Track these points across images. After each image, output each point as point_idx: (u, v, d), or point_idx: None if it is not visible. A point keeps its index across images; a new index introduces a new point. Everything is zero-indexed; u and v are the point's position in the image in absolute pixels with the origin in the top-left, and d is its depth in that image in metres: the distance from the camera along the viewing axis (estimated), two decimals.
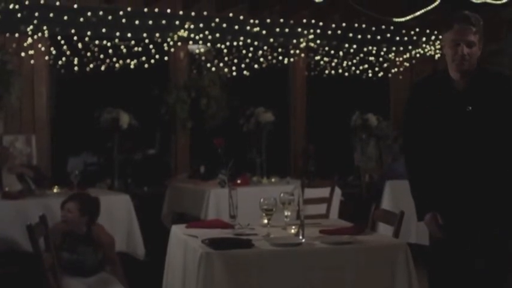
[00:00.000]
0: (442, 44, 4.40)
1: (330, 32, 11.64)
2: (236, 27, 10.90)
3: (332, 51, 11.80)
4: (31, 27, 9.60)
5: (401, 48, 12.21)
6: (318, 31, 11.52)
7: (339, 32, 11.70)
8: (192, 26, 10.55)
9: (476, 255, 4.32)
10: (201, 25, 10.63)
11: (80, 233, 6.20)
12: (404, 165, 4.61)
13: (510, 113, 4.26)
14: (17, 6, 9.47)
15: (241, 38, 10.97)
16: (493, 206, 4.28)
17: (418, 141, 4.44)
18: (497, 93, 4.28)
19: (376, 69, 12.17)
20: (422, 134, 4.41)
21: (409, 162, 4.54)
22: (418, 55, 12.24)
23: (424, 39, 12.13)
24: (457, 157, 4.30)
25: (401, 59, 12.35)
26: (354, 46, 11.85)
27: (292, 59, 11.61)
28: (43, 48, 9.84)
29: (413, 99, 4.51)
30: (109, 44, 10.21)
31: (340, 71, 11.93)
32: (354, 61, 12.01)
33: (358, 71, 12.05)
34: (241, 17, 10.95)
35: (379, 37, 11.98)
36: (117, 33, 10.13)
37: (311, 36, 11.46)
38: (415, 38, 12.16)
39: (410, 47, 12.22)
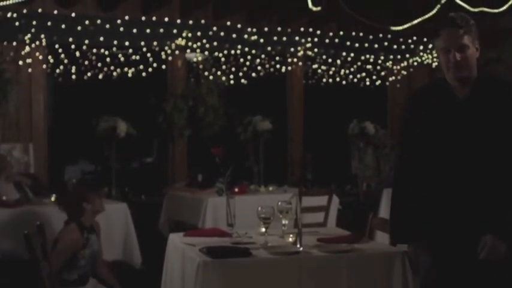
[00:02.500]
0: (437, 53, 4.00)
1: (327, 41, 11.66)
2: (234, 35, 10.92)
3: (329, 60, 11.82)
4: (29, 35, 9.61)
5: (398, 57, 12.24)
6: (316, 40, 11.54)
7: (337, 40, 11.72)
8: (189, 35, 10.57)
9: None
10: (198, 33, 10.64)
11: (90, 222, 6.18)
12: (392, 180, 4.14)
13: None
14: (14, 15, 9.48)
15: (239, 47, 10.98)
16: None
17: (415, 156, 3.98)
18: (503, 103, 3.82)
19: (374, 77, 12.20)
20: (420, 148, 3.95)
21: (400, 179, 4.07)
22: (415, 63, 12.27)
23: (421, 47, 12.16)
24: (458, 175, 3.81)
25: (398, 67, 12.37)
26: (352, 54, 11.87)
27: (289, 68, 11.62)
28: (41, 57, 9.84)
29: (411, 111, 4.07)
30: (107, 52, 10.22)
31: (337, 79, 11.95)
32: (352, 69, 12.03)
33: (355, 80, 12.07)
34: (239, 26, 10.96)
35: (376, 45, 12.01)
36: (115, 42, 10.14)
37: (309, 45, 11.48)
38: (412, 46, 12.19)
39: (407, 56, 12.25)
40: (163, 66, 10.63)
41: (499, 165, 3.78)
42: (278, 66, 11.52)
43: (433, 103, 3.94)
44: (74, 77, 10.11)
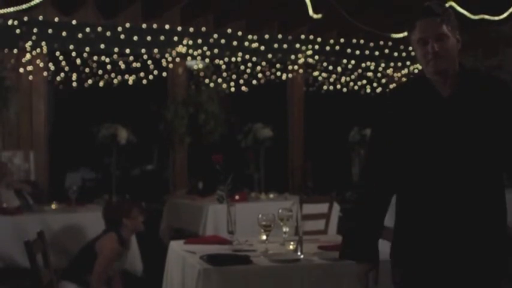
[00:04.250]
0: (413, 48, 3.49)
1: (328, 48, 11.66)
2: (234, 43, 10.93)
3: (330, 67, 11.82)
4: (30, 43, 9.62)
5: (399, 64, 12.24)
6: (316, 47, 11.55)
7: (337, 47, 11.73)
8: (190, 42, 10.58)
9: None
10: (199, 41, 10.66)
11: (128, 238, 6.20)
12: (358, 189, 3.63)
13: (509, 125, 3.36)
14: (15, 22, 9.49)
15: (240, 54, 10.99)
16: (485, 257, 3.33)
17: (389, 162, 3.48)
18: (492, 100, 3.36)
19: (374, 84, 12.19)
20: (396, 153, 3.44)
21: (367, 189, 3.54)
22: (416, 70, 12.26)
23: None
24: (444, 182, 3.31)
25: (399, 74, 12.37)
26: (352, 62, 11.88)
27: (290, 75, 11.63)
28: (41, 64, 9.85)
29: (387, 111, 3.54)
30: (107, 59, 10.22)
31: (338, 86, 11.95)
32: (352, 77, 12.03)
33: (356, 87, 12.07)
34: (240, 33, 10.97)
35: (377, 53, 12.01)
36: (116, 49, 10.15)
37: (309, 52, 11.48)
38: (413, 53, 12.17)
39: (408, 63, 12.25)
40: (164, 74, 10.63)
41: (491, 169, 3.34)
42: (279, 73, 11.52)
43: (414, 101, 3.45)
44: (74, 84, 10.11)
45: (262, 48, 11.13)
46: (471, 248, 3.29)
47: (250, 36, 11.03)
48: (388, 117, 3.51)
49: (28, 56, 9.72)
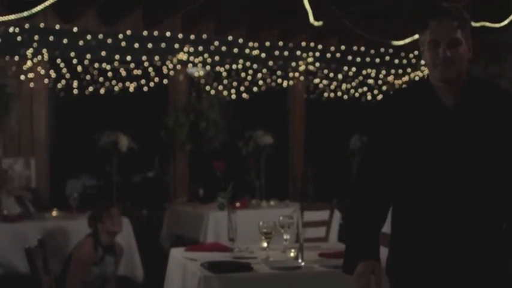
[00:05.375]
0: (421, 49, 3.26)
1: (328, 55, 11.67)
2: (235, 50, 10.94)
3: (331, 74, 11.82)
4: (31, 50, 9.63)
5: (400, 71, 12.24)
6: (317, 54, 11.56)
7: (338, 55, 11.74)
8: (191, 49, 10.59)
9: None
10: (200, 48, 10.67)
11: (108, 242, 6.19)
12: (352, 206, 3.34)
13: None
14: (17, 30, 9.51)
15: (241, 61, 11.00)
16: (487, 275, 3.15)
17: (385, 173, 3.25)
18: (496, 112, 3.15)
19: (375, 92, 12.19)
20: (393, 161, 3.23)
21: (362, 202, 3.28)
22: (417, 78, 12.26)
23: (423, 62, 12.13)
24: (446, 197, 3.10)
25: (400, 81, 12.37)
26: (353, 69, 11.88)
27: (291, 82, 11.63)
28: (43, 71, 9.86)
29: (385, 115, 3.31)
30: (108, 67, 10.23)
31: (339, 93, 11.94)
32: (353, 84, 12.02)
33: (357, 94, 12.07)
34: (241, 40, 10.98)
35: (378, 60, 12.02)
36: (117, 56, 10.16)
37: (310, 59, 11.49)
38: (414, 61, 12.20)
39: (409, 70, 12.25)
40: (165, 81, 10.62)
41: (493, 183, 3.13)
42: (279, 80, 11.52)
43: (415, 108, 3.22)
44: (75, 91, 10.11)
45: (263, 55, 11.14)
46: (469, 264, 3.11)
47: (251, 44, 11.04)
48: (386, 122, 3.27)
49: (29, 63, 9.72)
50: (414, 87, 3.46)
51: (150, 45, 10.33)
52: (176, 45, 10.54)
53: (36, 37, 9.64)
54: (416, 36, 10.03)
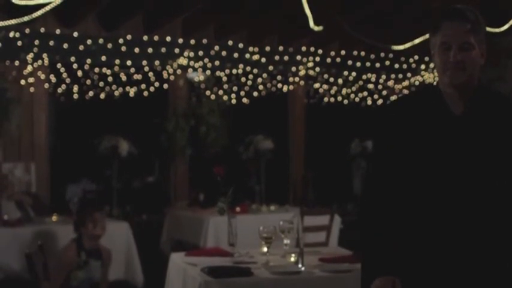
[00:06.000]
0: (432, 52, 3.08)
1: (329, 60, 11.68)
2: (235, 55, 10.95)
3: (331, 79, 11.82)
4: (31, 55, 9.63)
5: (400, 76, 12.24)
6: (317, 59, 11.57)
7: (338, 59, 11.74)
8: (191, 54, 10.60)
9: None
10: (200, 53, 10.67)
11: (92, 247, 6.19)
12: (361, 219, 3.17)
13: None
14: (17, 34, 9.51)
15: (241, 66, 11.01)
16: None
17: (391, 185, 3.06)
18: (505, 122, 2.99)
19: (375, 96, 12.19)
20: (399, 175, 3.05)
21: (371, 215, 3.10)
22: (417, 82, 12.27)
23: (423, 66, 12.17)
24: (453, 209, 2.95)
25: (400, 86, 12.38)
26: (353, 74, 11.89)
27: (291, 87, 11.63)
28: (43, 76, 9.86)
29: (388, 124, 3.15)
30: (109, 71, 10.23)
31: (339, 98, 11.94)
32: (353, 89, 12.02)
33: (357, 99, 12.07)
34: (241, 45, 10.99)
35: (378, 65, 12.02)
36: (117, 61, 10.17)
37: (310, 64, 11.50)
38: (414, 65, 12.20)
39: (409, 75, 12.25)
40: (165, 86, 10.63)
41: (503, 195, 2.97)
42: (280, 85, 11.52)
43: (421, 115, 3.06)
44: (75, 96, 10.11)
45: (263, 60, 11.15)
46: (476, 272, 2.95)
47: (251, 48, 11.05)
48: (390, 129, 3.11)
49: (29, 68, 9.73)
50: (422, 92, 3.28)
51: (150, 50, 10.34)
52: (176, 50, 10.54)
53: (36, 42, 9.65)
54: (417, 41, 10.06)
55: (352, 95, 12.05)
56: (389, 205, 3.06)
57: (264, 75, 11.32)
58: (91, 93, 10.19)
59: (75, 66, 10.02)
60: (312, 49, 11.55)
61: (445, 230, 2.94)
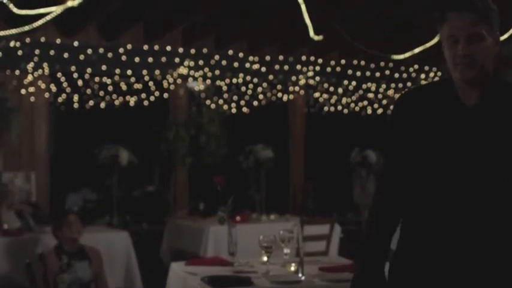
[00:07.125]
0: (443, 45, 2.91)
1: (329, 69, 11.69)
2: (235, 64, 10.96)
3: (331, 88, 11.84)
4: (31, 64, 9.65)
5: (400, 85, 12.25)
6: (317, 68, 11.58)
7: (338, 69, 11.76)
8: (191, 63, 10.61)
9: None
10: (200, 62, 10.69)
11: (73, 249, 6.20)
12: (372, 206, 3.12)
13: None
14: (17, 44, 9.53)
15: (241, 75, 11.02)
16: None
17: (403, 177, 2.96)
18: None
19: (375, 106, 12.20)
20: (411, 165, 2.93)
21: (382, 205, 3.04)
22: None
23: (423, 76, 12.19)
24: (464, 203, 2.82)
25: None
26: (353, 83, 11.90)
27: (291, 96, 11.64)
28: (43, 85, 9.87)
29: (401, 115, 3.00)
30: (109, 81, 10.25)
31: (339, 107, 11.95)
32: (353, 98, 12.03)
33: (357, 108, 12.08)
34: (241, 54, 11.01)
35: (378, 74, 12.04)
36: (117, 71, 10.18)
37: (310, 74, 11.51)
38: (414, 75, 12.22)
39: (409, 84, 12.26)
40: (166, 95, 10.64)
41: None
42: (280, 94, 11.53)
43: (432, 108, 2.91)
44: (76, 105, 10.12)
45: (263, 69, 11.16)
46: (483, 272, 2.82)
47: (251, 58, 11.06)
48: (403, 118, 2.97)
49: (30, 77, 9.74)
50: (437, 83, 3.09)
51: (150, 60, 10.36)
52: (177, 60, 10.56)
53: (37, 51, 9.66)
54: (416, 51, 10.06)
55: (352, 104, 12.06)
56: (402, 197, 2.97)
57: (264, 84, 11.33)
58: (91, 103, 10.20)
59: (75, 75, 10.04)
60: (312, 58, 11.56)
61: (455, 223, 2.83)
